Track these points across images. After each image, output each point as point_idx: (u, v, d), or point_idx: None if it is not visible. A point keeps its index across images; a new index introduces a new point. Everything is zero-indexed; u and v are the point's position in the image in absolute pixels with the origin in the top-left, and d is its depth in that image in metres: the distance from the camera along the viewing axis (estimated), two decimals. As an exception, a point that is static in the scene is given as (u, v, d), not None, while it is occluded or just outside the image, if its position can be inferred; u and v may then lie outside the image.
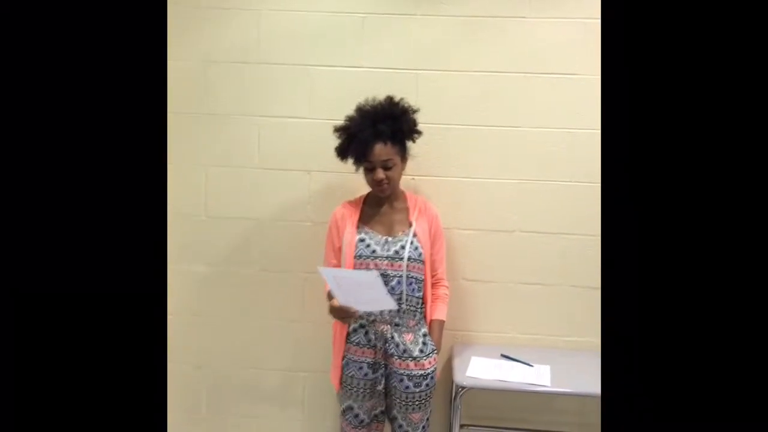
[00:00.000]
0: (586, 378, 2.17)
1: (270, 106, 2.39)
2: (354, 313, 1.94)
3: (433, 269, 2.13)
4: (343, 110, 2.32)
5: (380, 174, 2.01)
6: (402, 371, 2.03)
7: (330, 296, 2.05)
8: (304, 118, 2.39)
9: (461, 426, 2.14)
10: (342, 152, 2.08)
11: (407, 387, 2.04)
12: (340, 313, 1.96)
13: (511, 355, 2.28)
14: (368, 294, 1.87)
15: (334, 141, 2.32)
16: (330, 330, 2.46)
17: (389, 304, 1.90)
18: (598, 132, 2.29)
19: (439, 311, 2.14)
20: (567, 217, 2.39)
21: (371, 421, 2.14)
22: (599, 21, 2.24)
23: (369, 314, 2.03)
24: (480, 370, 2.14)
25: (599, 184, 2.31)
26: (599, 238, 2.34)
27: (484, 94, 2.36)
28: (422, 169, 2.33)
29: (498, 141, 2.37)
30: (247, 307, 2.51)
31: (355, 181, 2.36)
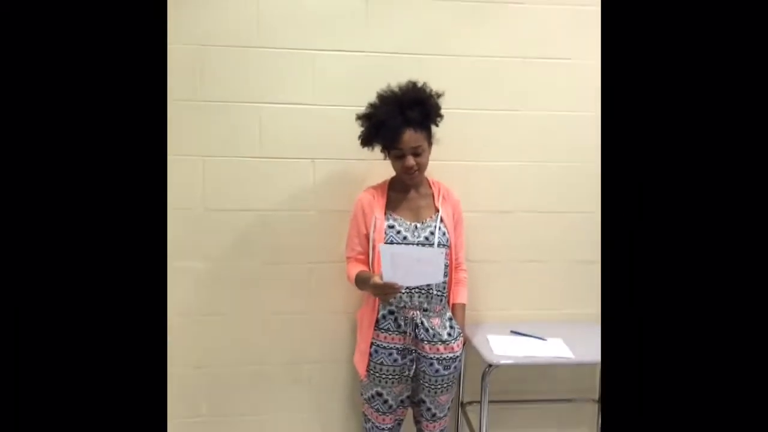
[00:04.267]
0: (597, 347, 2.29)
1: (271, 92, 2.30)
2: (399, 288, 1.92)
3: (455, 253, 2.16)
4: (346, 96, 2.31)
5: (411, 161, 2.01)
6: (432, 355, 2.05)
7: (361, 280, 2.04)
8: (307, 104, 2.32)
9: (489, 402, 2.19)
10: (368, 140, 2.05)
11: (437, 371, 2.06)
12: (385, 290, 1.93)
13: (521, 331, 2.37)
14: (421, 269, 1.87)
15: (339, 128, 2.30)
16: (337, 319, 2.47)
17: (438, 277, 1.91)
18: (592, 115, 2.44)
19: (461, 295, 2.18)
20: (563, 196, 2.51)
21: (398, 406, 2.15)
22: (592, 8, 2.37)
23: (399, 300, 2.03)
24: (502, 347, 2.20)
25: (592, 164, 2.47)
26: (593, 215, 2.50)
27: (483, 78, 2.40)
28: (425, 154, 2.34)
29: (498, 124, 2.43)
30: (249, 302, 2.42)
31: (360, 169, 2.36)
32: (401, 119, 1.97)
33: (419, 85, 2.06)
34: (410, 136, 1.99)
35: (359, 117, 2.06)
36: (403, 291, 2.02)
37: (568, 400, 2.67)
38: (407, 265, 1.87)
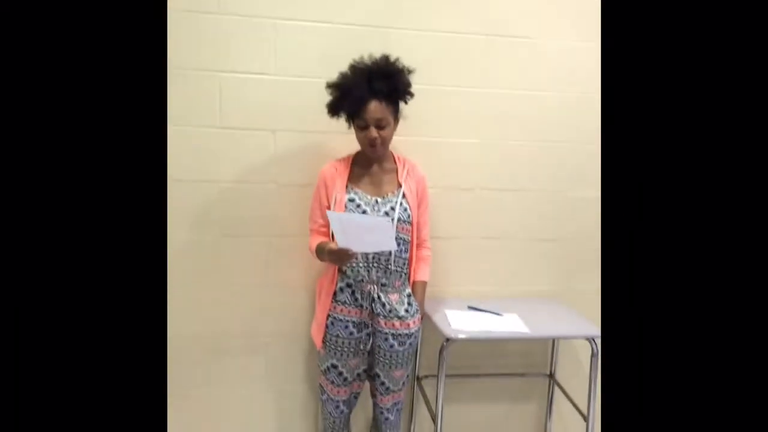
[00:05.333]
0: (552, 323, 2.36)
1: (232, 60, 2.24)
2: (353, 254, 1.94)
3: (418, 230, 2.16)
4: (309, 67, 2.29)
5: (373, 133, 2.00)
6: (387, 330, 2.07)
7: (320, 250, 2.04)
8: (269, 74, 2.27)
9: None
10: (334, 108, 2.03)
11: (392, 346, 2.08)
12: (339, 255, 1.95)
13: (478, 306, 2.41)
14: (372, 237, 1.89)
15: (301, 99, 2.29)
16: (294, 293, 2.47)
17: (390, 245, 1.92)
18: (551, 95, 2.47)
19: (422, 272, 2.20)
20: (521, 174, 2.53)
21: (353, 379, 2.17)
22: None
23: (357, 273, 2.04)
24: (460, 322, 2.23)
25: (551, 144, 2.51)
26: (549, 193, 2.54)
27: (449, 55, 2.39)
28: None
29: (461, 101, 2.43)
30: (207, 273, 2.39)
31: (322, 142, 2.33)
32: (367, 89, 1.96)
33: (392, 59, 2.04)
34: (375, 107, 1.97)
35: (329, 85, 2.04)
36: (360, 264, 2.03)
37: (521, 375, 2.73)
38: (358, 233, 1.88)
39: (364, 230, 1.89)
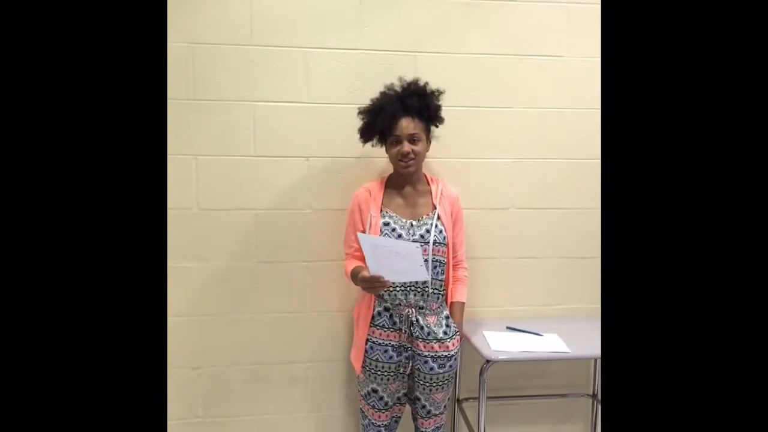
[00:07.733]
0: (593, 342, 2.31)
1: (265, 90, 2.29)
2: (385, 283, 1.93)
3: (454, 251, 2.15)
4: (340, 93, 2.32)
5: (407, 147, 2.02)
6: (427, 353, 2.06)
7: (355, 275, 2.05)
8: (302, 102, 2.31)
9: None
10: (366, 130, 2.07)
11: (432, 368, 2.07)
12: (371, 283, 1.95)
13: (517, 327, 2.38)
14: (403, 264, 1.86)
15: (334, 125, 2.32)
16: (332, 318, 2.47)
17: (422, 275, 1.91)
18: (585, 111, 2.45)
19: (459, 293, 2.18)
20: (557, 193, 2.52)
21: (394, 403, 2.16)
22: (585, 5, 2.39)
23: (394, 297, 2.04)
24: (500, 343, 2.21)
25: (586, 161, 2.49)
26: (587, 211, 2.51)
27: (478, 76, 2.40)
28: (420, 151, 2.34)
29: (492, 121, 2.44)
30: (245, 301, 2.41)
31: (356, 167, 2.35)
32: (399, 106, 2.03)
33: (421, 83, 2.09)
34: (407, 123, 2.03)
35: (361, 111, 2.09)
36: (398, 288, 2.03)
37: (563, 396, 2.68)
38: (389, 259, 1.87)
39: (395, 255, 1.87)
